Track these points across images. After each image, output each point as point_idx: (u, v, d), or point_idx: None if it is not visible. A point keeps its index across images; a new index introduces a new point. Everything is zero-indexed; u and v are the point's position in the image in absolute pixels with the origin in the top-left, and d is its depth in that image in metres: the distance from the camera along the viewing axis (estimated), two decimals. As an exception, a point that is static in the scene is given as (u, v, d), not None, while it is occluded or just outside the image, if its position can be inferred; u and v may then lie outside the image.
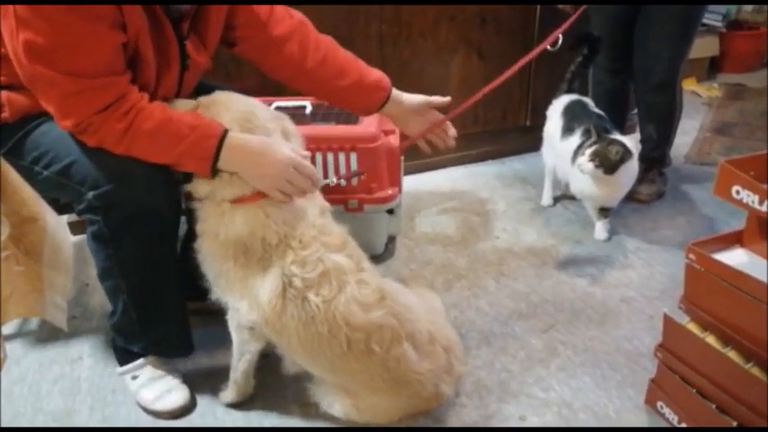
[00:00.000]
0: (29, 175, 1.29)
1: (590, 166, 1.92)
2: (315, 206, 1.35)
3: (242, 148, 1.25)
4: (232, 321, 1.38)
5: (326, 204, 1.41)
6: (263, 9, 1.46)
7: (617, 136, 2.01)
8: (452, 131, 1.64)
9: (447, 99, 1.60)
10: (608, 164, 1.91)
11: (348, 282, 1.28)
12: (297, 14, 1.52)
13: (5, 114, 1.29)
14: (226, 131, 1.24)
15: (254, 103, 1.35)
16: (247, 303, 1.30)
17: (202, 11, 1.36)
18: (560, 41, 1.75)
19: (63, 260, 0.81)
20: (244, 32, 1.47)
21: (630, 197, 2.28)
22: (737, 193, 1.25)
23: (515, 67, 1.66)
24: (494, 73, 2.60)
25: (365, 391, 1.35)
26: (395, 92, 1.56)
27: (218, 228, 1.28)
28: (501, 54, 2.62)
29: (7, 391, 1.53)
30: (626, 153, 1.92)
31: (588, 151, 1.93)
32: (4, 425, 0.97)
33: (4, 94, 1.28)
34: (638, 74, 2.27)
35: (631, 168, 2.00)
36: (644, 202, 2.35)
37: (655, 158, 2.38)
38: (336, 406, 1.38)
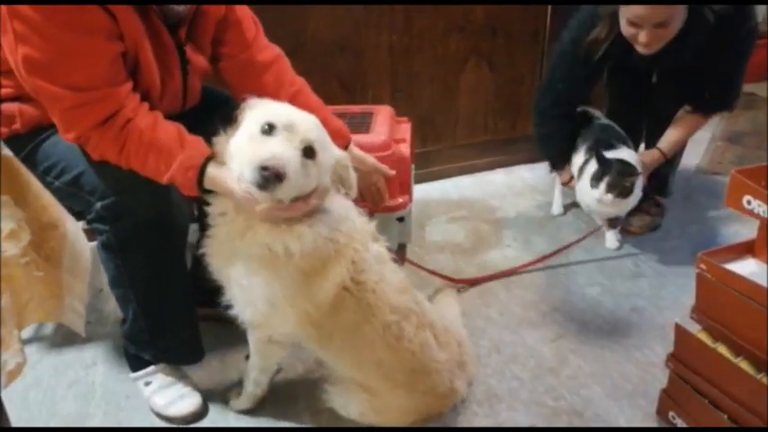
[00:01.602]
0: (41, 184, 1.32)
1: (610, 197, 1.94)
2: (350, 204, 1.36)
3: (216, 180, 1.22)
4: (258, 338, 1.38)
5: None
6: (249, 31, 1.52)
7: (620, 152, 2.00)
8: (386, 198, 1.77)
9: (392, 172, 1.74)
10: (625, 192, 1.94)
11: (386, 270, 1.33)
12: (277, 48, 1.58)
13: (17, 126, 1.31)
14: (207, 161, 1.22)
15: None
16: (298, 312, 1.28)
17: (198, 17, 1.39)
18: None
19: (82, 266, 0.83)
20: (230, 50, 1.51)
21: (622, 228, 2.27)
22: (749, 203, 1.25)
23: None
24: (503, 83, 2.65)
25: (384, 388, 1.36)
26: (352, 145, 1.62)
27: (276, 245, 1.22)
28: (511, 64, 2.64)
29: (23, 395, 1.56)
30: (635, 175, 1.94)
31: (602, 186, 1.94)
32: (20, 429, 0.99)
33: (16, 105, 1.30)
34: (650, 114, 2.24)
35: (639, 181, 2.00)
36: (635, 234, 2.25)
37: (655, 185, 2.26)
38: (352, 407, 1.39)
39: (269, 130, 1.15)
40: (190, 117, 1.41)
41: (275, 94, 1.48)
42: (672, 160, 2.23)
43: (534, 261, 2.05)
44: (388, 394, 1.37)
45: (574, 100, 2.16)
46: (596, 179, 1.97)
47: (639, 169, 1.97)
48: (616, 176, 1.93)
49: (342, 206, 1.31)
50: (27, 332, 1.73)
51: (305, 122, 1.19)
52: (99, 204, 1.26)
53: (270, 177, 1.09)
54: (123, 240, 1.30)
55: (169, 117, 1.31)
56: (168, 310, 1.43)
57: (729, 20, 1.81)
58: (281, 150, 1.12)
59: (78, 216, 1.33)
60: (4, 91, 1.29)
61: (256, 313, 1.29)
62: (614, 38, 1.90)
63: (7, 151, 0.77)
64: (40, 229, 0.80)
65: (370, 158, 1.66)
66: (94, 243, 1.26)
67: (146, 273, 1.36)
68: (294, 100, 1.50)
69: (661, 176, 2.26)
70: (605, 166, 1.95)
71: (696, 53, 1.89)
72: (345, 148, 1.58)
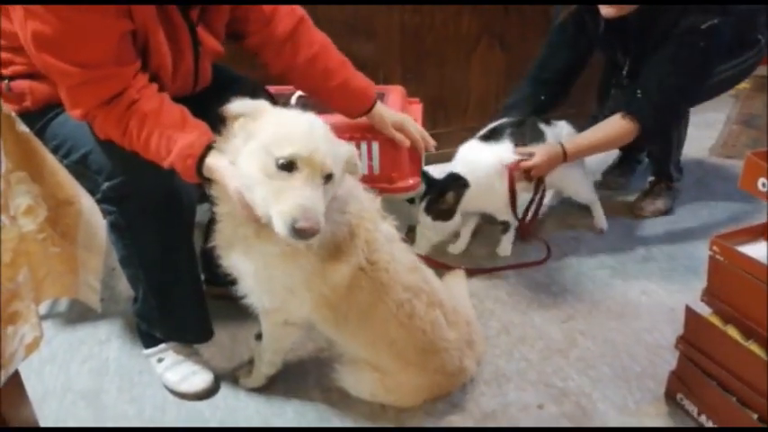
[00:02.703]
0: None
1: (429, 219, 1.86)
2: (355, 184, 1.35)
3: (215, 172, 1.21)
4: (273, 322, 1.39)
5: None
6: (267, 6, 1.50)
7: (498, 146, 1.89)
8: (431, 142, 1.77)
9: (419, 138, 1.73)
10: (443, 215, 1.85)
11: (395, 249, 1.35)
12: (298, 11, 1.56)
13: (27, 103, 1.32)
14: (207, 149, 1.21)
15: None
16: (314, 294, 1.28)
17: None
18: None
19: (97, 242, 0.84)
20: (251, 27, 1.51)
21: (631, 211, 2.25)
22: (763, 185, 1.24)
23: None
24: (515, 64, 2.62)
25: (396, 367, 1.38)
26: (379, 104, 1.64)
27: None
28: (523, 44, 2.61)
29: (38, 370, 1.59)
30: (452, 197, 1.82)
31: (423, 205, 1.85)
32: (34, 402, 1.01)
33: (27, 83, 1.31)
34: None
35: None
36: (644, 218, 2.23)
37: (662, 169, 2.26)
38: (363, 386, 1.41)
39: (288, 166, 1.10)
40: (201, 98, 1.41)
41: (292, 61, 1.53)
42: (668, 147, 2.15)
43: (480, 270, 1.94)
44: (399, 373, 1.38)
45: (550, 66, 2.08)
46: (421, 198, 1.87)
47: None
48: (434, 198, 1.83)
49: (347, 186, 1.30)
50: (42, 309, 1.76)
51: (320, 151, 1.12)
52: (106, 185, 1.27)
53: (305, 234, 1.07)
54: (131, 221, 1.31)
55: (180, 98, 1.32)
56: (177, 290, 1.45)
57: (695, 29, 1.73)
58: (312, 203, 1.08)
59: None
60: (16, 68, 1.30)
61: (274, 301, 1.30)
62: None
63: (24, 128, 0.77)
64: (57, 206, 0.81)
65: (397, 116, 1.69)
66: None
67: (154, 253, 1.37)
68: (312, 64, 1.53)
69: (666, 163, 2.22)
70: (428, 185, 1.85)
71: (657, 43, 1.80)
72: (371, 108, 1.63)
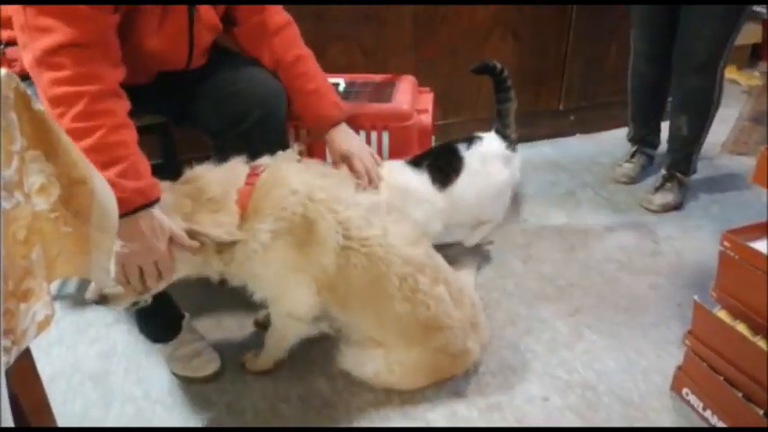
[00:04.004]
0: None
1: None
2: (311, 170, 1.37)
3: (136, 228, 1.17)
4: (279, 312, 1.42)
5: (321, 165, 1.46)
6: None
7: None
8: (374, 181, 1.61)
9: (379, 161, 1.64)
10: None
11: (388, 220, 1.35)
12: (288, 15, 1.59)
13: (17, 69, 1.28)
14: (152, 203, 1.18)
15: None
16: (308, 279, 1.33)
17: None
18: None
19: (110, 223, 0.84)
20: (244, 14, 1.52)
21: (641, 205, 2.25)
22: (776, 180, 1.23)
23: None
24: (527, 55, 2.61)
25: (400, 344, 1.39)
26: (343, 129, 1.60)
27: (253, 243, 1.28)
28: (536, 36, 2.59)
29: (46, 351, 1.60)
30: None
31: None
32: (44, 383, 1.03)
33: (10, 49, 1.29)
34: (678, 55, 2.14)
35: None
36: (654, 212, 2.22)
37: (678, 162, 2.25)
38: (366, 366, 1.42)
39: None
40: (193, 76, 1.44)
41: (282, 56, 1.53)
42: (699, 128, 2.19)
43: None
44: (403, 351, 1.39)
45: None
46: None
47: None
48: None
49: (294, 179, 1.31)
50: (51, 290, 1.77)
51: None
52: None
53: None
54: None
55: (173, 73, 1.37)
56: None
57: None
58: None
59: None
60: (11, 35, 1.26)
61: (278, 293, 1.37)
62: None
63: (39, 106, 0.77)
64: (69, 185, 0.81)
65: (352, 147, 1.58)
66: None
67: None
68: (295, 64, 1.54)
69: (685, 154, 2.24)
70: None
71: None
72: (337, 123, 1.59)
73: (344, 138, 1.59)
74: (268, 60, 1.55)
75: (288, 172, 1.33)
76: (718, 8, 1.97)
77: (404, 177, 1.66)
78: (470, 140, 1.77)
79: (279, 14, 1.57)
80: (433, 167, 1.70)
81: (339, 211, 1.31)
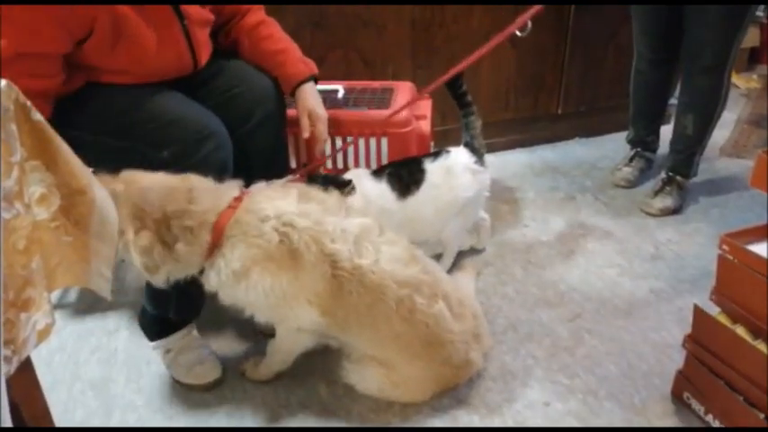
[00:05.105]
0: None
1: None
2: (289, 196, 1.33)
3: None
4: (286, 328, 1.41)
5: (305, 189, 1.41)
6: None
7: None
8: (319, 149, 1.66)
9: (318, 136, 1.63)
10: None
11: (380, 242, 1.33)
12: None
13: None
14: None
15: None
16: (306, 304, 1.31)
17: None
18: (530, 26, 1.73)
19: (109, 232, 0.85)
20: (228, 17, 1.59)
21: (640, 208, 2.25)
22: (775, 184, 1.23)
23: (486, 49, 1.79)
24: (525, 60, 2.61)
25: (402, 361, 1.38)
26: (313, 86, 1.61)
27: (222, 275, 1.29)
28: (534, 41, 2.60)
29: (47, 360, 1.60)
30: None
31: None
32: (44, 391, 1.03)
33: None
34: (685, 59, 2.14)
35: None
36: (654, 216, 2.22)
37: (679, 164, 2.25)
38: (371, 382, 1.41)
39: None
40: (193, 82, 1.48)
41: (246, 22, 1.59)
42: (702, 139, 2.19)
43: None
44: (405, 367, 1.38)
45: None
46: None
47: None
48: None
49: (266, 205, 1.29)
50: (51, 299, 1.77)
51: None
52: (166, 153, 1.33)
53: None
54: None
55: (185, 79, 1.41)
56: None
57: None
58: None
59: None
60: None
61: (276, 317, 1.37)
62: None
63: (38, 116, 0.78)
64: (70, 195, 0.82)
65: (320, 107, 1.61)
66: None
67: None
68: (258, 28, 1.59)
69: (688, 155, 2.24)
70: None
71: None
72: (309, 78, 1.60)
73: (313, 97, 1.61)
74: (234, 38, 1.60)
75: (262, 197, 1.31)
76: (722, 13, 1.97)
77: (365, 186, 1.64)
78: (437, 154, 1.76)
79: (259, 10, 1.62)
80: (392, 177, 1.69)
81: (325, 243, 1.27)
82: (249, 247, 1.26)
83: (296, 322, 1.37)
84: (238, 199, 1.30)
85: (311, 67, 1.63)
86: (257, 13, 1.62)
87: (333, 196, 1.38)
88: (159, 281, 1.29)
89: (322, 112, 1.60)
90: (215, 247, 1.27)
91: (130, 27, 1.31)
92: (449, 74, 1.75)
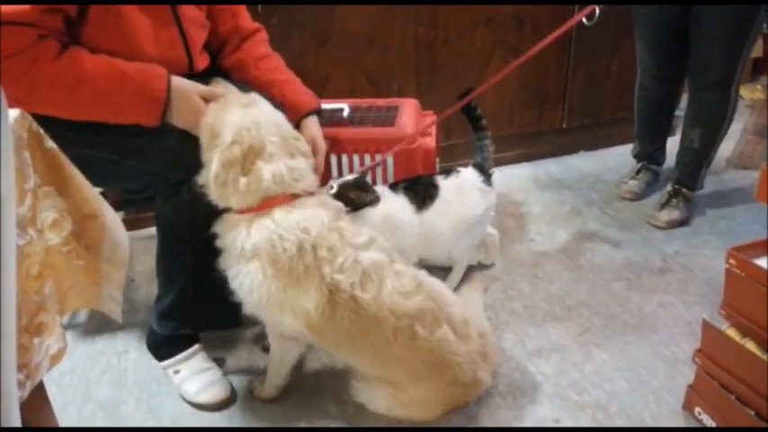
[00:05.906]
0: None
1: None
2: (327, 210, 1.35)
3: (181, 90, 1.31)
4: (272, 332, 1.43)
5: (340, 205, 1.46)
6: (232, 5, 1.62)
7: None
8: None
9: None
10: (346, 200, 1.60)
11: (386, 275, 1.32)
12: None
13: None
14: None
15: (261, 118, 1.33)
16: (291, 315, 1.31)
17: None
18: (597, 15, 1.76)
19: (120, 255, 0.86)
20: (221, 18, 1.60)
21: (647, 221, 2.25)
22: (780, 197, 1.23)
23: (551, 38, 1.78)
24: (529, 75, 2.63)
25: (408, 382, 1.38)
26: (316, 120, 1.65)
27: (236, 241, 1.30)
28: (537, 57, 2.60)
29: (58, 381, 1.61)
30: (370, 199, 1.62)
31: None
32: (55, 413, 1.04)
33: None
34: (692, 76, 2.16)
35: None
36: (661, 229, 2.22)
37: (686, 176, 2.25)
38: (379, 401, 1.40)
39: None
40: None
41: (253, 52, 1.62)
42: (708, 152, 2.19)
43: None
44: (412, 388, 1.38)
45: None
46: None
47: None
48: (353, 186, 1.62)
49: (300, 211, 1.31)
50: (63, 320, 1.79)
51: None
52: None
53: None
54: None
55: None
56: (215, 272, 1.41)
57: None
58: None
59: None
60: None
61: (263, 314, 1.36)
62: None
63: (51, 144, 0.80)
64: (81, 220, 0.83)
65: (320, 139, 1.62)
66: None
67: (205, 230, 1.37)
68: (266, 59, 1.63)
69: (694, 168, 2.24)
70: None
71: None
72: (315, 110, 1.63)
73: (317, 129, 1.64)
74: (238, 59, 1.62)
75: (316, 202, 1.34)
76: (723, 28, 1.98)
77: (386, 202, 1.66)
78: (448, 172, 1.82)
79: (248, 20, 1.65)
80: (408, 190, 1.72)
81: (330, 272, 1.27)
82: (267, 242, 1.27)
83: (278, 327, 1.38)
84: (297, 196, 1.32)
85: (317, 101, 1.66)
86: (263, 45, 1.65)
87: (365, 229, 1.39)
88: (213, 197, 1.31)
89: (323, 145, 1.63)
90: (253, 212, 1.29)
91: (123, 10, 1.31)
92: (482, 87, 1.82)
